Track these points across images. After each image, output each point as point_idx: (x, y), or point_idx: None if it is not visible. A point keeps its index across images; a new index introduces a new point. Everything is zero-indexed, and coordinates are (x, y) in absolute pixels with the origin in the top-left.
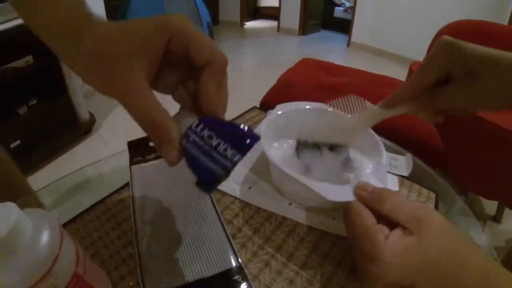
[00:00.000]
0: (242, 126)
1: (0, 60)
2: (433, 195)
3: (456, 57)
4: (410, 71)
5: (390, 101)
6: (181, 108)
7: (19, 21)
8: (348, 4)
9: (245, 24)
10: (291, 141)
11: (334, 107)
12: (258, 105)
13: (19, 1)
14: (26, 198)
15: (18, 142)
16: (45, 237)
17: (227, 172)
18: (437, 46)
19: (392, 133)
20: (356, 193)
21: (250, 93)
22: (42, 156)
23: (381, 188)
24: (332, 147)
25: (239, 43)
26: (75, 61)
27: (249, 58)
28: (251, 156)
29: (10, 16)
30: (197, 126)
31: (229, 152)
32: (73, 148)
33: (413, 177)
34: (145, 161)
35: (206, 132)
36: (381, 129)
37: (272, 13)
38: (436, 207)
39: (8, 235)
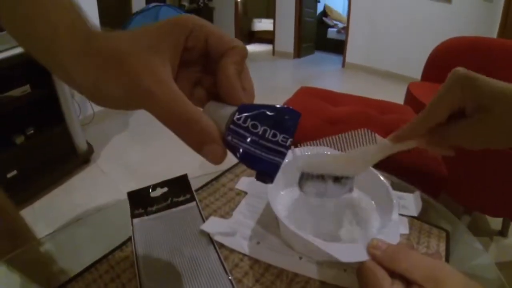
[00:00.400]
0: (279, 106)
1: None
2: (443, 234)
3: (469, 91)
4: (409, 93)
5: (401, 136)
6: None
7: (17, 51)
8: (341, 25)
9: None
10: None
11: (343, 140)
12: None
13: (17, 13)
14: (28, 247)
15: (15, 172)
16: None
17: (284, 157)
18: (449, 79)
19: (395, 163)
20: (369, 252)
21: None
22: (40, 186)
23: (395, 246)
24: (337, 178)
25: None
26: (85, 69)
27: None
28: (257, 207)
29: (7, 45)
30: (239, 118)
31: (280, 138)
32: (71, 178)
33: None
34: (147, 213)
35: (249, 122)
36: (385, 161)
37: (267, 37)
38: (448, 246)
39: None
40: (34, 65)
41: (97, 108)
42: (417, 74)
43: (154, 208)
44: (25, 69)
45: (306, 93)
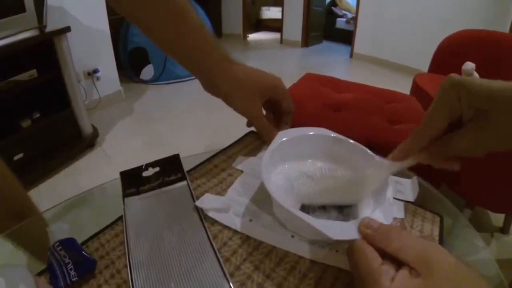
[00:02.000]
0: (86, 254)
1: (5, 74)
2: (437, 219)
3: (465, 98)
4: (414, 84)
5: (399, 155)
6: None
7: (24, 35)
8: (350, 15)
9: (248, 37)
10: (292, 165)
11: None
12: None
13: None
14: (32, 219)
15: (21, 155)
16: None
17: (67, 285)
18: (443, 87)
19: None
20: (360, 231)
21: None
22: (45, 169)
23: (387, 225)
24: (340, 208)
25: (243, 55)
26: (221, 87)
27: None
28: (252, 185)
29: (14, 30)
30: (58, 245)
31: (72, 273)
32: (76, 161)
33: (417, 198)
34: (139, 193)
35: (62, 252)
36: (385, 149)
37: (275, 25)
38: (441, 231)
39: None
40: (41, 50)
41: (103, 93)
42: (425, 67)
43: (146, 187)
44: (32, 53)
45: (311, 79)
